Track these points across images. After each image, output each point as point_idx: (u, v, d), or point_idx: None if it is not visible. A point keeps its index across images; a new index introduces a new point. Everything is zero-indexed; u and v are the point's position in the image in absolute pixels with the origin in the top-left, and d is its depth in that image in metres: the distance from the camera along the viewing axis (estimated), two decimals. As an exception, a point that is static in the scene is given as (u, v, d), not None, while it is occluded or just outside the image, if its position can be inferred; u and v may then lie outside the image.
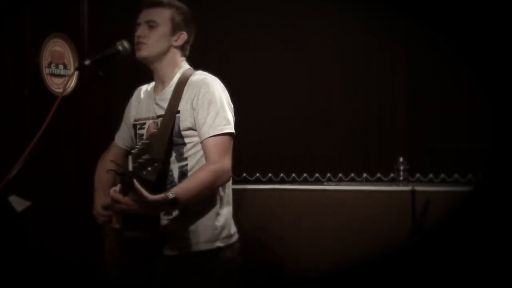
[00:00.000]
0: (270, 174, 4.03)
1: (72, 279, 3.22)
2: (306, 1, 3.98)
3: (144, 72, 2.47)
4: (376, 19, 3.97)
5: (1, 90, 3.01)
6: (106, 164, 2.49)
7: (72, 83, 3.26)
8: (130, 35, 2.37)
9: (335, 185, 3.90)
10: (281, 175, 4.02)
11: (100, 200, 2.37)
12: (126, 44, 2.30)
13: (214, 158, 2.20)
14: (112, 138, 2.56)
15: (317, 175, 4.03)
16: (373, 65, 4.00)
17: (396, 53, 3.97)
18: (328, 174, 4.03)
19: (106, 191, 2.39)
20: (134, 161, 1.90)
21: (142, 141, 1.95)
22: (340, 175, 4.02)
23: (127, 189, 1.94)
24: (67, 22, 3.35)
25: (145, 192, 1.96)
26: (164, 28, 2.33)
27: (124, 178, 1.92)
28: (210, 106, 2.24)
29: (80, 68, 2.59)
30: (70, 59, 3.33)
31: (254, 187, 3.76)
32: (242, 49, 4.00)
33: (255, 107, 3.85)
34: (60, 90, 3.10)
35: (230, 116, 2.28)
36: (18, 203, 2.84)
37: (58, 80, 3.26)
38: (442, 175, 3.87)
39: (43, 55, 3.18)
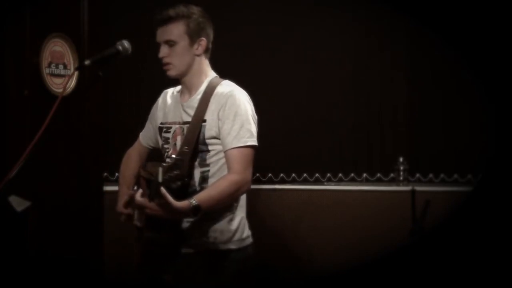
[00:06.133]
0: (270, 174, 4.03)
1: (72, 279, 3.22)
2: (306, 1, 3.98)
3: (145, 72, 2.47)
4: (376, 20, 3.96)
5: (1, 90, 3.01)
6: (130, 161, 2.62)
7: (72, 83, 3.26)
8: (130, 35, 2.38)
9: (335, 185, 3.90)
10: (281, 175, 4.02)
11: (123, 196, 2.46)
12: (126, 44, 2.30)
13: (236, 169, 2.30)
14: (113, 138, 2.57)
15: (317, 175, 4.03)
16: (373, 66, 4.00)
17: (397, 53, 3.97)
18: (328, 174, 4.02)
19: (129, 187, 2.52)
20: (164, 173, 1.99)
21: (174, 156, 2.06)
22: (340, 175, 4.02)
23: (154, 195, 2.03)
24: (67, 22, 3.34)
25: (170, 199, 2.08)
26: (182, 42, 2.37)
27: (151, 185, 2.02)
28: (236, 118, 2.33)
29: (80, 68, 2.60)
30: (70, 59, 3.33)
31: (254, 187, 3.74)
32: (242, 49, 3.99)
33: (255, 107, 3.84)
34: (60, 90, 3.10)
35: (254, 128, 2.38)
36: (18, 203, 2.84)
37: (58, 80, 3.26)
38: (442, 175, 3.87)
39: (43, 55, 3.17)
